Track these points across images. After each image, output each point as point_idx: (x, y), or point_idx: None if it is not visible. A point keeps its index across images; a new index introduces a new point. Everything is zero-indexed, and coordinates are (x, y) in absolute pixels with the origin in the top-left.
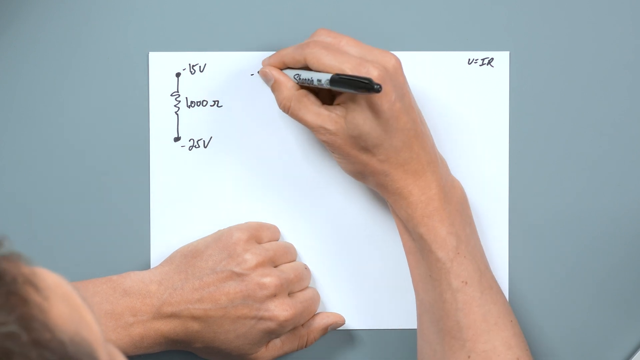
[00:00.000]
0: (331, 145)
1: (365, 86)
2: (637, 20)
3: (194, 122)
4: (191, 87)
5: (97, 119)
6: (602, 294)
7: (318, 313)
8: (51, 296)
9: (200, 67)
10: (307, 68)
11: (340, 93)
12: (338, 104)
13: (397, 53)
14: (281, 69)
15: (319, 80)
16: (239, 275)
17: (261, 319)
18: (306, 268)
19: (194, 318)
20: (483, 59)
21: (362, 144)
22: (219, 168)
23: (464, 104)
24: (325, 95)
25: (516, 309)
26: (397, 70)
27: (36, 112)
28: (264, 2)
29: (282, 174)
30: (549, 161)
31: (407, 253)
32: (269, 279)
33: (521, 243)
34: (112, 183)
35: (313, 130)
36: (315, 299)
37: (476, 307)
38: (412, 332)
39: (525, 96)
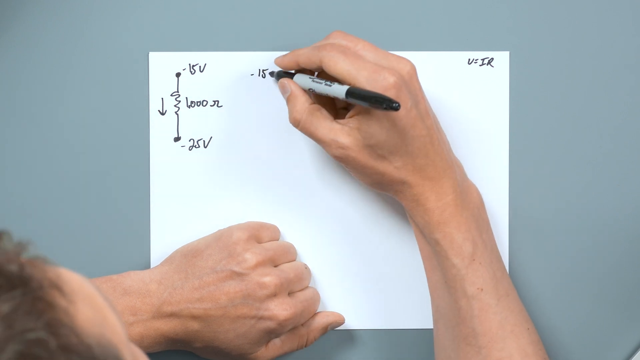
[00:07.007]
0: (345, 160)
1: (383, 103)
2: (637, 20)
3: (194, 122)
4: (191, 87)
5: (97, 119)
6: (602, 294)
7: (318, 312)
8: (76, 299)
9: (200, 67)
10: (321, 70)
11: (353, 105)
12: (351, 117)
13: (397, 53)
14: (294, 69)
15: (335, 93)
16: (239, 274)
17: (261, 318)
18: (306, 268)
19: (194, 317)
20: (483, 59)
21: (378, 152)
22: (219, 168)
23: (464, 104)
24: (340, 109)
25: None
26: (412, 77)
27: (36, 112)
28: (264, 2)
29: (282, 173)
30: (549, 161)
31: (424, 258)
32: (269, 278)
33: (521, 243)
34: (112, 183)
35: (324, 144)
36: (315, 298)
37: (492, 314)
38: (412, 332)
39: (525, 96)
